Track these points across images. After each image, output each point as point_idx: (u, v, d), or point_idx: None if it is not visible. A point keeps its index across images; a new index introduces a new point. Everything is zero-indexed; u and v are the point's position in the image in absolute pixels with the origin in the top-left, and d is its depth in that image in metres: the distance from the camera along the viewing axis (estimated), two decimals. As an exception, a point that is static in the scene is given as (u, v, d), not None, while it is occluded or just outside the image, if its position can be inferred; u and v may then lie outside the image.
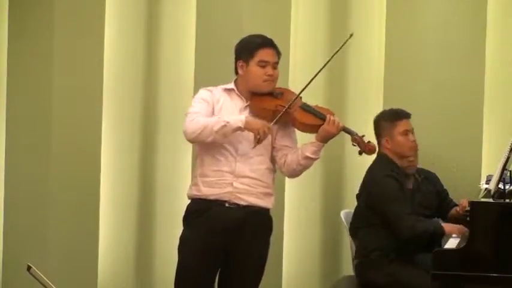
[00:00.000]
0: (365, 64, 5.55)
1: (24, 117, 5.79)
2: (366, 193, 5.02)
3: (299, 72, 5.51)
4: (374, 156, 4.75)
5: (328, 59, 4.34)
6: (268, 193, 4.26)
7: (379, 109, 5.39)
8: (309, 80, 4.26)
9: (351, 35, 4.31)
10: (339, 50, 4.30)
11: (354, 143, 4.27)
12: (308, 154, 4.21)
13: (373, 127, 5.12)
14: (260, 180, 4.22)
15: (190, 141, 4.23)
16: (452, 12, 5.49)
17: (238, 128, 4.10)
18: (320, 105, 4.39)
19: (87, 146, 5.72)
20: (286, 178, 5.22)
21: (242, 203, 4.18)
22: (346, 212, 5.29)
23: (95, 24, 5.70)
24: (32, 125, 5.78)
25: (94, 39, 5.70)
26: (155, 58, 5.71)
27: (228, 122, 4.09)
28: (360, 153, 4.30)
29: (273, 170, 4.30)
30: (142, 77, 5.72)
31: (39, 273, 3.57)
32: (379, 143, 5.08)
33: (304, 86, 4.25)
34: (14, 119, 5.80)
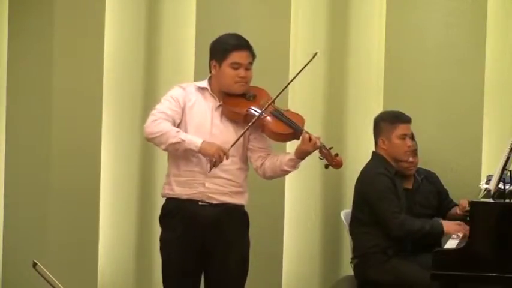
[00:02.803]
0: (365, 64, 5.55)
1: (24, 117, 5.79)
2: (359, 191, 5.04)
3: (299, 72, 5.51)
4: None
5: (295, 74, 4.20)
6: (240, 192, 4.22)
7: (379, 109, 5.40)
8: (280, 90, 4.14)
9: (315, 54, 4.12)
10: (303, 69, 4.11)
11: (321, 156, 4.11)
12: (286, 168, 4.17)
13: (373, 126, 5.13)
14: (232, 180, 4.18)
15: (146, 139, 4.19)
16: (452, 12, 5.49)
17: (191, 150, 4.08)
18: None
19: (87, 146, 5.72)
20: (286, 178, 5.23)
21: (214, 202, 4.16)
22: (346, 212, 5.29)
23: (95, 24, 5.70)
24: (32, 125, 5.78)
25: (94, 39, 5.69)
26: (155, 58, 5.71)
27: (183, 141, 4.06)
28: (326, 166, 4.14)
29: (245, 170, 4.25)
30: (143, 77, 5.72)
31: (45, 270, 3.58)
32: (376, 142, 5.10)
33: (277, 94, 4.13)
34: (14, 119, 5.80)
